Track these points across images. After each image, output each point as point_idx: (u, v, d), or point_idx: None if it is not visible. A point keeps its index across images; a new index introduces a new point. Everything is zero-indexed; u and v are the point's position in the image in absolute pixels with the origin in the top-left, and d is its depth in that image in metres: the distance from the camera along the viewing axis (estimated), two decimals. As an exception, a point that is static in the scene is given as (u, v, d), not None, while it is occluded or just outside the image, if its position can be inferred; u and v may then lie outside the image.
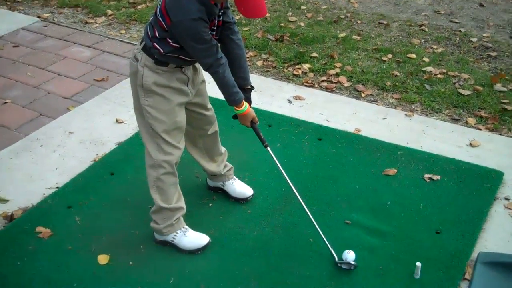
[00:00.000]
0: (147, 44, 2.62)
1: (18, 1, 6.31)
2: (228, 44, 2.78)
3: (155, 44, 2.59)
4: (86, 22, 5.81)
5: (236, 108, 2.80)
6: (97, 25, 5.75)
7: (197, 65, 2.84)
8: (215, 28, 2.64)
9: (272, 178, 3.47)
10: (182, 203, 2.96)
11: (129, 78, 2.78)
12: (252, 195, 3.31)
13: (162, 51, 2.59)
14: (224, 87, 2.71)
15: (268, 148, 2.97)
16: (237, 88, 2.74)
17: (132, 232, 3.08)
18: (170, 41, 2.57)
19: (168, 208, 2.88)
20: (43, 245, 3.00)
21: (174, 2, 2.45)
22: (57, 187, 3.42)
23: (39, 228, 3.09)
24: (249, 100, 2.89)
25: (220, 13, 2.63)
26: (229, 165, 3.28)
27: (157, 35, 2.58)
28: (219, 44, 2.69)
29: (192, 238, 2.96)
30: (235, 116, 2.90)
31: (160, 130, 2.76)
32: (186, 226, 2.98)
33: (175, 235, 2.95)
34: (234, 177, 3.32)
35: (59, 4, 6.22)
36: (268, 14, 5.86)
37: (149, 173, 2.89)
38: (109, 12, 5.99)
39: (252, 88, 2.93)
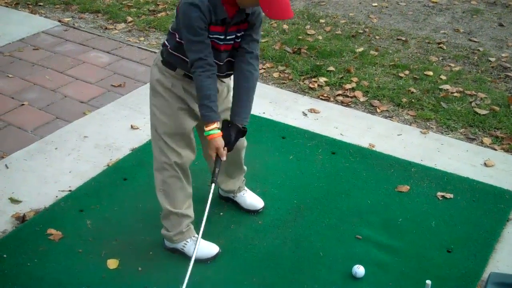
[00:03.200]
0: (163, 42, 2.66)
1: (40, 5, 6.39)
2: (237, 71, 2.69)
3: (166, 40, 2.63)
4: (106, 28, 5.86)
5: (205, 127, 2.62)
6: (116, 31, 5.80)
7: (221, 86, 2.79)
8: (224, 37, 2.56)
9: (283, 190, 3.47)
10: (190, 212, 2.95)
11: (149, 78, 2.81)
12: (263, 207, 3.30)
13: (169, 47, 2.60)
14: (198, 93, 2.58)
15: (212, 185, 2.69)
16: (212, 103, 2.55)
17: (143, 238, 3.09)
18: (176, 35, 2.56)
19: (175, 213, 2.87)
20: (53, 247, 3.01)
21: None
22: (69, 190, 3.44)
23: (50, 230, 3.10)
24: (228, 136, 2.65)
25: (239, 32, 2.58)
26: (242, 178, 3.28)
27: (170, 29, 2.62)
28: (211, 51, 2.54)
29: (202, 248, 2.95)
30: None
31: (161, 131, 2.75)
32: (196, 235, 2.97)
33: (185, 244, 2.95)
34: (246, 188, 3.31)
35: (80, 9, 6.29)
36: (286, 26, 5.88)
37: (155, 176, 2.88)
38: (129, 19, 6.04)
39: (243, 129, 2.70)
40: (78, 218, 3.22)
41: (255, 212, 3.28)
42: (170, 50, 2.62)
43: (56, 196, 3.39)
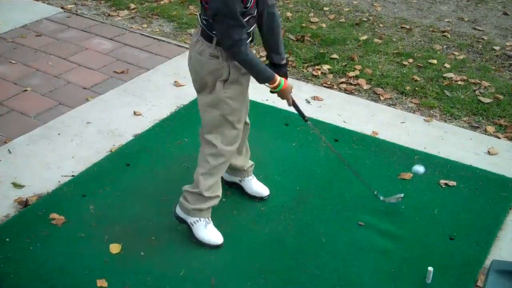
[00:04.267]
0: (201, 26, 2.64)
1: (43, -8, 6.37)
2: (261, 16, 2.69)
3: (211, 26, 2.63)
4: (109, 15, 5.84)
5: (271, 86, 2.69)
6: (119, 18, 5.77)
7: None
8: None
9: (286, 177, 3.46)
10: (220, 191, 2.97)
11: (197, 76, 2.73)
12: (268, 195, 3.30)
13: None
14: (250, 66, 2.60)
15: (308, 122, 2.96)
16: (263, 65, 2.64)
17: (145, 223, 3.09)
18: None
19: (208, 197, 2.89)
20: (56, 231, 3.02)
21: None
22: (72, 175, 3.44)
23: (53, 215, 3.11)
24: (285, 75, 2.84)
25: None
26: (251, 162, 3.27)
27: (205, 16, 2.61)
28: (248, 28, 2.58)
29: (209, 233, 2.95)
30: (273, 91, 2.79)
31: (236, 120, 2.78)
32: (210, 218, 2.97)
33: (197, 221, 2.94)
34: (252, 174, 3.31)
35: (82, -4, 6.27)
36: (290, 14, 5.85)
37: (207, 160, 2.84)
38: (132, 6, 6.02)
39: (287, 62, 2.90)
40: (80, 203, 3.22)
41: (260, 199, 3.28)
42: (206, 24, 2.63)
43: (59, 181, 3.39)
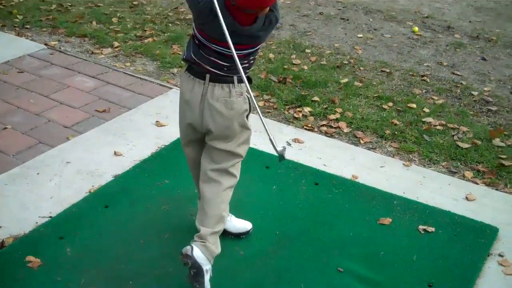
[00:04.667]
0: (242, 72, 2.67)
1: (27, 27, 6.39)
2: None
3: (246, 63, 2.75)
4: (92, 53, 5.87)
5: None
6: (103, 56, 5.80)
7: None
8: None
9: (266, 221, 3.46)
10: None
11: (225, 121, 2.77)
12: (252, 228, 3.33)
13: (252, 63, 2.81)
14: None
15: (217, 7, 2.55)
16: None
17: (123, 267, 3.05)
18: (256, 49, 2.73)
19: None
20: (32, 275, 2.97)
21: None
22: (50, 217, 3.41)
23: (29, 258, 3.06)
24: None
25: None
26: None
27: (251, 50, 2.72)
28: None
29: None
30: None
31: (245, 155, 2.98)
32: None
33: (209, 269, 2.85)
34: (231, 214, 3.31)
35: (67, 33, 6.30)
36: (272, 55, 5.93)
37: (228, 194, 2.95)
38: (116, 44, 6.06)
39: None
40: (58, 245, 3.18)
41: (245, 234, 3.30)
42: (247, 65, 2.76)
43: (36, 222, 3.35)
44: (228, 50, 2.57)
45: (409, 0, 8.33)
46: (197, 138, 2.94)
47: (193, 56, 2.73)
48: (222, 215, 2.87)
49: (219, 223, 2.85)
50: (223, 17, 2.46)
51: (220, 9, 2.47)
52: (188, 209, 3.45)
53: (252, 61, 2.79)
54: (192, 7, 2.62)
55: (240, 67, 2.57)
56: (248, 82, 2.74)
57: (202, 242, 2.77)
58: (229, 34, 2.49)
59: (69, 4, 7.21)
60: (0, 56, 5.50)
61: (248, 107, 2.81)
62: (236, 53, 2.56)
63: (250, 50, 2.69)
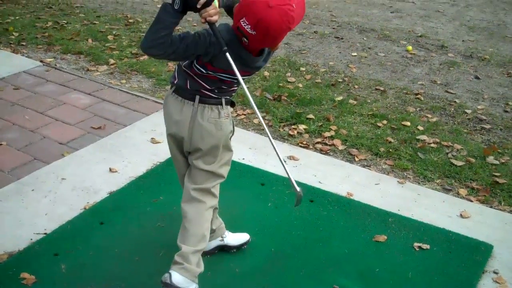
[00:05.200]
0: (229, 96, 2.81)
1: (22, 44, 6.42)
2: None
3: (232, 88, 2.83)
4: (88, 70, 5.89)
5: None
6: (98, 73, 5.82)
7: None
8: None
9: (261, 238, 3.45)
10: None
11: (215, 141, 2.82)
12: (250, 237, 3.38)
13: (236, 89, 2.85)
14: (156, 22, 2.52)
15: (227, 54, 2.55)
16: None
17: (118, 284, 3.04)
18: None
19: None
20: (26, 292, 2.96)
21: None
22: (45, 233, 3.39)
23: (24, 274, 3.04)
24: None
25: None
26: (220, 219, 3.27)
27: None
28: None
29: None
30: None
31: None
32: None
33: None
34: (227, 230, 3.32)
35: (62, 50, 6.32)
36: (267, 73, 5.96)
37: (210, 213, 2.96)
38: (111, 61, 6.08)
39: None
40: (52, 262, 3.17)
41: (246, 244, 3.34)
42: (236, 89, 2.84)
43: (31, 239, 3.34)
44: (229, 76, 2.68)
45: (403, 19, 8.42)
46: (185, 156, 2.97)
47: (186, 84, 2.75)
48: (205, 234, 2.88)
49: (201, 242, 2.86)
50: (233, 47, 2.55)
51: (231, 39, 2.55)
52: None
53: (238, 87, 2.86)
54: (196, 48, 2.58)
55: (247, 92, 2.68)
56: (231, 106, 2.86)
57: (180, 264, 2.77)
58: (237, 63, 2.57)
59: (65, 22, 7.25)
60: (-5, 73, 5.52)
61: (232, 129, 2.89)
62: (235, 79, 2.69)
63: (247, 77, 2.78)
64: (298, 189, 2.74)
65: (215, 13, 2.53)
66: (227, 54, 2.52)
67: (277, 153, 2.73)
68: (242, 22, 2.47)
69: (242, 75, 2.63)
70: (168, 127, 2.88)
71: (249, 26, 2.46)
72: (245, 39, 2.53)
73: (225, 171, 2.96)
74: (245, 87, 2.63)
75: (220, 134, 2.81)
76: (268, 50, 2.69)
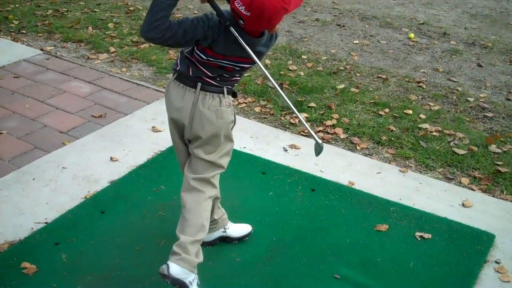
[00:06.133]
0: (230, 85, 2.79)
1: (22, 33, 6.38)
2: None
3: (236, 76, 2.79)
4: (88, 58, 5.86)
5: None
6: (99, 61, 5.79)
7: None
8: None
9: (262, 227, 3.45)
10: None
11: (213, 130, 2.79)
12: (252, 229, 3.37)
13: (239, 79, 2.84)
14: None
15: (231, 28, 2.56)
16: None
17: (119, 274, 3.04)
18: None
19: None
20: (27, 281, 2.95)
21: None
22: (46, 223, 3.39)
23: (24, 264, 3.04)
24: None
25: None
26: (223, 210, 3.26)
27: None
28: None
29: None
30: None
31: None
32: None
33: (194, 279, 2.81)
34: (229, 221, 3.31)
35: (63, 38, 6.29)
36: (269, 61, 5.93)
37: (209, 203, 2.93)
38: (112, 49, 6.05)
39: None
40: (53, 252, 3.16)
41: (248, 235, 3.34)
42: (239, 79, 2.82)
43: (32, 228, 3.34)
44: (231, 63, 2.67)
45: (405, 6, 8.36)
46: (186, 144, 2.95)
47: (188, 71, 2.73)
48: (204, 224, 2.86)
49: (200, 231, 2.83)
50: (234, 29, 2.55)
51: (231, 23, 2.55)
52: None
53: (241, 77, 2.85)
54: (195, 32, 2.56)
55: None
56: (233, 96, 2.84)
57: (178, 255, 2.74)
58: (237, 48, 2.57)
59: (65, 10, 7.20)
60: (-5, 61, 5.49)
61: (234, 119, 2.87)
62: (238, 66, 2.68)
63: (248, 65, 2.74)
64: (320, 141, 2.78)
65: None
66: (232, 28, 2.52)
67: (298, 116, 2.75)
68: (236, 3, 2.45)
69: (245, 62, 2.61)
70: (169, 113, 2.86)
71: (243, 7, 2.44)
72: (241, 21, 2.50)
73: (225, 161, 2.94)
74: (259, 63, 2.61)
75: (221, 123, 2.78)
76: (269, 35, 2.67)
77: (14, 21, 6.69)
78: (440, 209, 3.73)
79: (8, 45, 5.97)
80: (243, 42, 2.54)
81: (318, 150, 2.80)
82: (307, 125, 2.76)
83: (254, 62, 2.70)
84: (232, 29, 2.53)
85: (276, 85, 2.76)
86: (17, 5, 7.27)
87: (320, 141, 2.78)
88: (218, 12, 2.56)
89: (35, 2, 7.48)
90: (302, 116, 2.71)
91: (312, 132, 2.78)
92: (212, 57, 2.65)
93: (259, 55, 2.71)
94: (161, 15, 2.47)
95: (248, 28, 2.54)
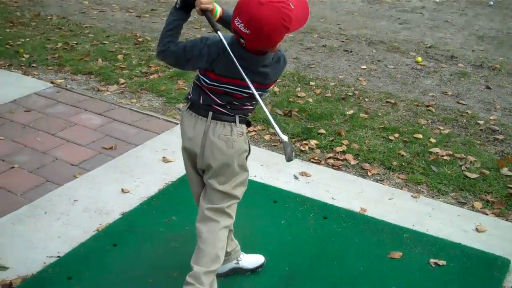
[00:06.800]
0: (243, 114, 2.77)
1: (33, 66, 6.46)
2: None
3: (245, 106, 2.77)
4: (98, 90, 5.91)
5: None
6: (108, 93, 5.84)
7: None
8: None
9: (275, 256, 3.42)
10: None
11: (227, 159, 2.78)
12: (265, 260, 3.34)
13: (252, 109, 2.82)
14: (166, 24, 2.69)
15: (219, 32, 2.63)
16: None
17: (132, 307, 3.03)
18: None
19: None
20: (40, 316, 2.95)
21: None
22: (58, 256, 3.39)
23: (38, 299, 3.04)
24: None
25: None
26: (236, 241, 3.25)
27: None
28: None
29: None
30: None
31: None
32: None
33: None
34: (242, 252, 3.30)
35: (73, 70, 6.36)
36: (277, 88, 5.95)
37: (224, 233, 2.91)
38: (122, 80, 6.10)
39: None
40: (66, 286, 3.15)
41: (261, 266, 3.31)
42: (252, 108, 2.80)
43: (44, 263, 3.33)
44: (238, 89, 2.65)
45: (411, 30, 8.40)
46: (199, 174, 2.95)
47: (199, 99, 2.75)
48: (218, 254, 2.85)
49: (214, 262, 2.82)
50: (234, 50, 2.56)
51: (232, 43, 2.57)
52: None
53: (254, 105, 2.82)
54: (193, 50, 2.63)
55: (259, 98, 2.64)
56: (247, 125, 2.83)
57: (191, 285, 2.74)
58: (242, 71, 2.56)
59: (75, 42, 7.30)
60: (7, 95, 5.55)
61: (248, 148, 2.85)
62: (244, 92, 2.64)
63: (257, 92, 2.67)
64: (284, 138, 2.57)
65: (209, 2, 2.65)
66: (219, 33, 2.59)
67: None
68: (236, 22, 2.47)
69: (255, 88, 2.61)
70: (182, 142, 2.87)
71: (243, 25, 2.45)
72: (242, 40, 2.51)
73: (240, 192, 2.92)
74: (247, 80, 2.56)
75: (232, 152, 2.77)
76: (275, 57, 2.66)
77: (24, 55, 6.78)
78: (453, 234, 3.70)
79: (19, 79, 6.04)
80: (232, 55, 2.53)
81: (289, 153, 2.60)
82: (274, 124, 2.65)
83: (263, 88, 2.70)
84: (219, 33, 2.57)
85: (261, 101, 2.66)
86: (27, 39, 7.37)
87: (285, 137, 2.57)
88: (210, 23, 2.66)
89: (45, 35, 7.59)
90: (271, 116, 2.66)
91: (279, 131, 2.60)
92: (216, 81, 2.66)
93: (264, 76, 2.66)
94: (169, 32, 2.66)
95: (248, 47, 2.54)
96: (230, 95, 2.69)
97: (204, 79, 2.68)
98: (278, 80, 5.97)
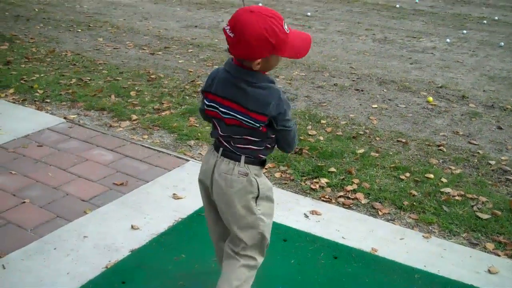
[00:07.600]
0: (250, 154, 2.71)
1: (47, 102, 6.53)
2: None
3: (252, 145, 2.70)
4: (111, 126, 5.95)
5: None
6: (121, 129, 5.88)
7: None
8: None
9: (285, 296, 3.40)
10: None
11: (227, 198, 2.74)
12: None
13: (268, 146, 2.76)
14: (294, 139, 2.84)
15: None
16: None
17: None
18: (266, 133, 2.68)
19: None
20: None
21: None
22: (66, 293, 3.38)
23: (45, 336, 3.02)
24: None
25: None
26: None
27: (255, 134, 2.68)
28: None
29: None
30: None
31: (268, 233, 2.86)
32: None
33: None
34: None
35: (86, 106, 6.42)
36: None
37: (243, 272, 2.87)
38: (134, 117, 6.15)
39: None
40: (73, 323, 3.14)
41: None
42: (268, 146, 2.75)
43: (52, 299, 3.33)
44: (232, 113, 2.61)
45: (422, 70, 8.44)
46: (213, 208, 2.93)
47: (212, 132, 2.81)
48: None
49: None
50: (225, 63, 2.64)
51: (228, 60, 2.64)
52: (205, 285, 3.39)
53: (261, 148, 2.73)
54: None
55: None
56: (261, 165, 2.77)
57: None
58: (235, 90, 2.59)
59: (89, 79, 7.39)
60: (20, 130, 5.60)
61: (255, 191, 2.73)
62: (241, 118, 2.61)
63: (257, 124, 2.60)
64: None
65: None
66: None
67: None
68: (225, 26, 2.50)
69: (248, 116, 2.57)
70: (199, 173, 2.89)
71: (229, 28, 2.47)
72: (227, 44, 2.53)
73: (247, 236, 2.81)
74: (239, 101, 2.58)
75: (231, 192, 2.70)
76: (266, 85, 2.57)
77: (39, 90, 6.87)
78: (465, 276, 3.65)
79: (33, 114, 6.10)
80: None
81: None
82: None
83: (249, 116, 2.57)
84: None
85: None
86: (42, 75, 7.48)
87: None
88: None
89: (59, 71, 7.69)
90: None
91: None
92: (212, 101, 2.67)
93: (245, 96, 2.57)
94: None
95: (231, 51, 2.53)
96: (228, 124, 2.65)
97: (204, 101, 2.71)
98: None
